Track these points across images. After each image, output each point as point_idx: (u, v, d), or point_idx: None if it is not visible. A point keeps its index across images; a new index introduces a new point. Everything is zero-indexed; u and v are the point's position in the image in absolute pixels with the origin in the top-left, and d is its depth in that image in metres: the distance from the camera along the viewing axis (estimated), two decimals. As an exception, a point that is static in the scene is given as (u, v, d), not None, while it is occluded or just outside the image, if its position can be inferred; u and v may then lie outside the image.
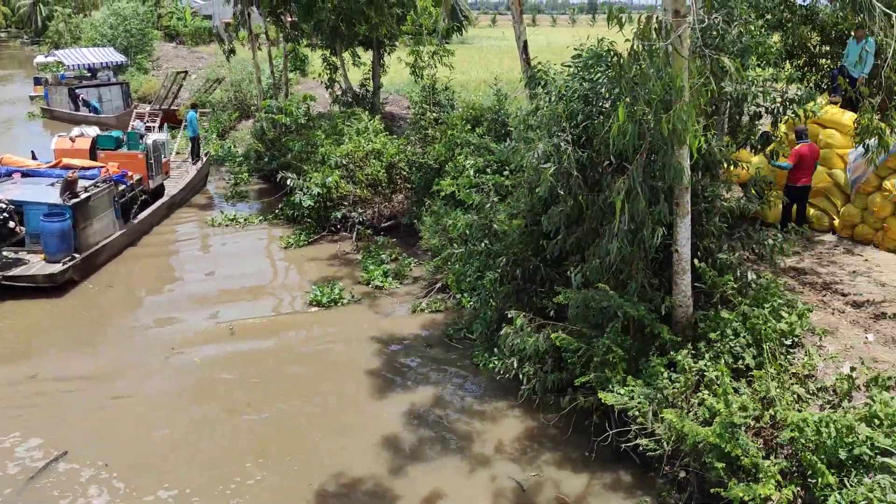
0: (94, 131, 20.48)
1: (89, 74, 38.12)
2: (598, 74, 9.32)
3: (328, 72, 24.66)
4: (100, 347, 12.65)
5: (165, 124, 26.09)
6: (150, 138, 19.97)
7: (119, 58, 40.62)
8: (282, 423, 10.21)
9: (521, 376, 9.65)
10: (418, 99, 20.10)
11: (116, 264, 16.41)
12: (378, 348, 12.39)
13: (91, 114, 32.51)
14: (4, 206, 14.33)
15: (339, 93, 24.86)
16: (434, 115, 19.00)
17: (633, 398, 8.04)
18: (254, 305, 14.36)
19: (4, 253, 14.74)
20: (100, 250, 15.96)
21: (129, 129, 21.43)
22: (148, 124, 23.56)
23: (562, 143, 9.15)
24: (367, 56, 25.76)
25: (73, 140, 19.31)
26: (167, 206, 20.12)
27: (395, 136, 20.24)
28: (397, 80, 29.87)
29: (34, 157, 18.49)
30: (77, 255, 14.99)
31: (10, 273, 14.23)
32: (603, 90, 9.31)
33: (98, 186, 16.28)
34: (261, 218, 19.74)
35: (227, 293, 14.96)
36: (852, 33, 13.53)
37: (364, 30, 22.63)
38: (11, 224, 14.37)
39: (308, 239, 17.76)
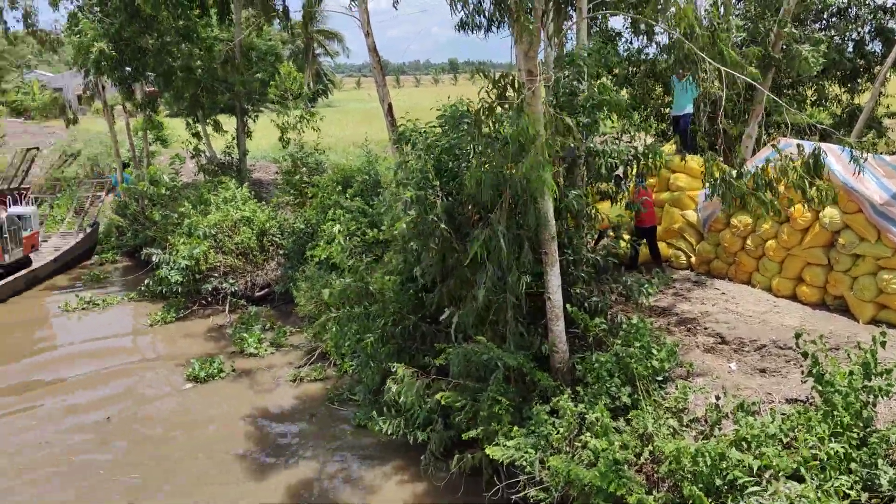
0: None
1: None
2: (462, 131, 9.57)
3: (193, 141, 24.08)
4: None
5: (34, 198, 25.15)
6: (4, 213, 19.32)
7: (-42, 136, 38.08)
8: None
9: (409, 437, 9.51)
10: (287, 164, 19.92)
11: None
12: (258, 421, 11.89)
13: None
14: None
15: (203, 161, 24.28)
16: (305, 178, 18.90)
17: (518, 449, 8.08)
18: (121, 386, 13.51)
19: None
20: None
21: None
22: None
23: (429, 195, 9.27)
24: (231, 123, 25.37)
25: None
26: (24, 281, 19.46)
27: (264, 203, 19.90)
28: (263, 146, 29.54)
29: None
30: None
31: None
32: (465, 145, 9.57)
33: None
34: (122, 297, 18.70)
35: (86, 377, 13.99)
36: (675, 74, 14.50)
37: (225, 98, 22.33)
38: None
39: (177, 314, 16.98)
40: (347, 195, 16.25)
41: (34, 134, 47.16)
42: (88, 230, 23.05)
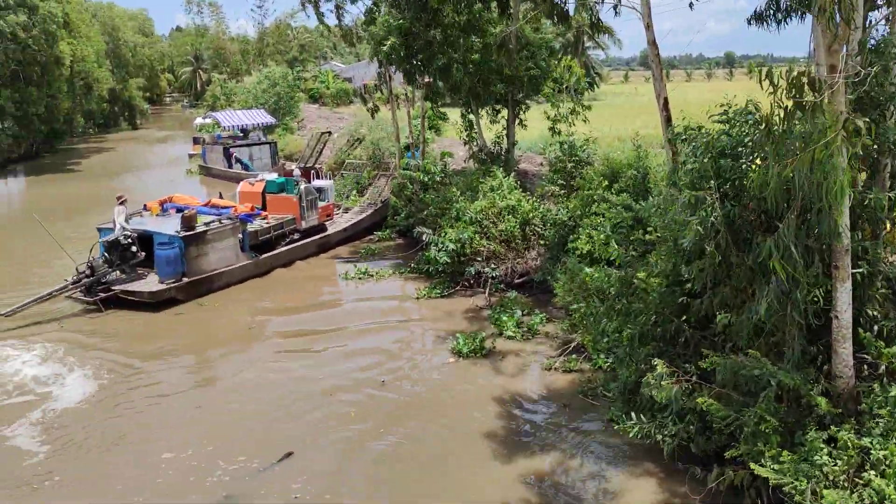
0: (272, 176, 23.68)
1: (241, 134, 40.93)
2: (747, 132, 9.04)
3: (465, 129, 25.31)
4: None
5: (341, 173, 29.58)
6: (303, 184, 22.40)
7: (269, 119, 43.44)
8: (399, 477, 10.25)
9: (660, 442, 9.24)
10: (557, 155, 20.20)
11: (236, 289, 18.89)
12: (510, 404, 12.25)
13: (242, 171, 34.78)
14: (129, 233, 17.86)
15: (475, 150, 25.38)
16: (572, 170, 19.08)
17: (788, 474, 7.51)
18: (391, 352, 14.77)
19: (136, 272, 18.14)
20: (215, 276, 18.47)
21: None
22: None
23: (707, 197, 8.89)
24: (502, 114, 26.18)
25: (252, 184, 22.83)
26: (316, 246, 22.30)
27: (527, 193, 20.35)
28: (529, 138, 30.12)
29: (220, 197, 22.59)
30: (185, 279, 17.69)
31: (126, 288, 17.52)
32: (750, 145, 9.02)
33: (222, 223, 18.87)
34: (393, 271, 20.27)
35: (363, 341, 15.45)
36: None
37: (500, 88, 23.09)
38: (134, 249, 17.84)
39: (441, 292, 18.02)
40: (613, 190, 16.08)
41: (326, 118, 52.56)
42: (379, 206, 25.43)
